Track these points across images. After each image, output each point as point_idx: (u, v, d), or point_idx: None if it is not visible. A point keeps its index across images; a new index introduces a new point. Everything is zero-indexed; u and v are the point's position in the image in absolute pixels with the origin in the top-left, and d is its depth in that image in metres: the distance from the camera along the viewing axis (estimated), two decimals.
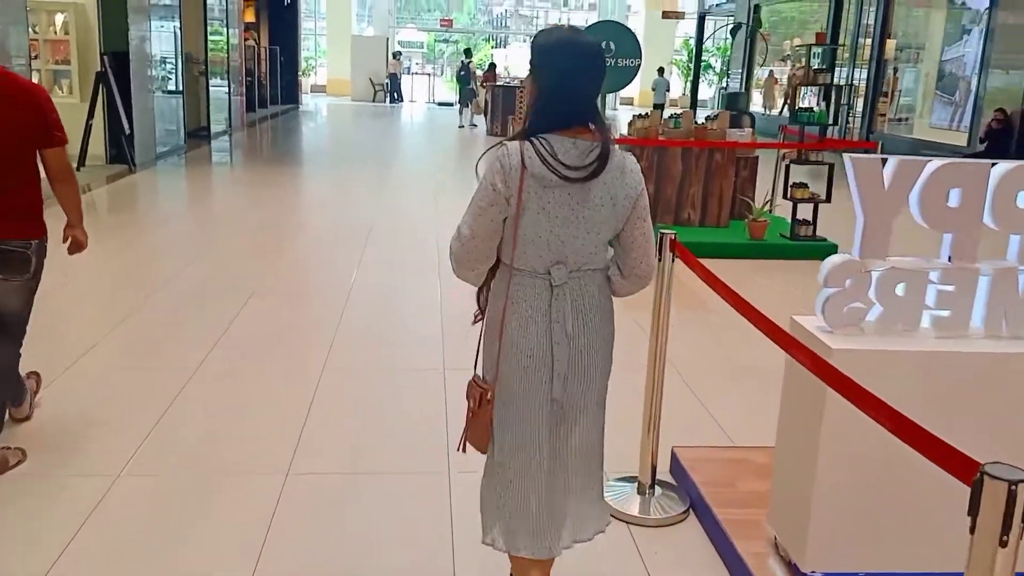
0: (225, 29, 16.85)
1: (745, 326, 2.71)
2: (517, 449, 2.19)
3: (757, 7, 23.08)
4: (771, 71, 23.04)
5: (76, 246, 3.48)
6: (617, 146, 2.10)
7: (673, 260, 3.10)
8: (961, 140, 13.97)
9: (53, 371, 4.14)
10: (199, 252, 6.95)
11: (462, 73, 23.17)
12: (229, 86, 17.12)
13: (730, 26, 21.10)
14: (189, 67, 15.31)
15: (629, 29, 7.42)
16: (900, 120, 17.06)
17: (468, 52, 31.13)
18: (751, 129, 8.32)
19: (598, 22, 7.89)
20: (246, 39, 23.39)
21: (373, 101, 29.85)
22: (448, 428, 3.77)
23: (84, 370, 4.30)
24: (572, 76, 2.07)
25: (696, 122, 8.18)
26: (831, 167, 7.54)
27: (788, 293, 6.27)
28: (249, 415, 3.88)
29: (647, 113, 8.13)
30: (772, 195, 8.11)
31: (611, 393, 2.30)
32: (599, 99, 2.23)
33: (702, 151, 7.88)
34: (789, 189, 7.65)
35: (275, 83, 24.94)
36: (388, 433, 3.76)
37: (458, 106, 23.10)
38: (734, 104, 9.57)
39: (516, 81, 20.88)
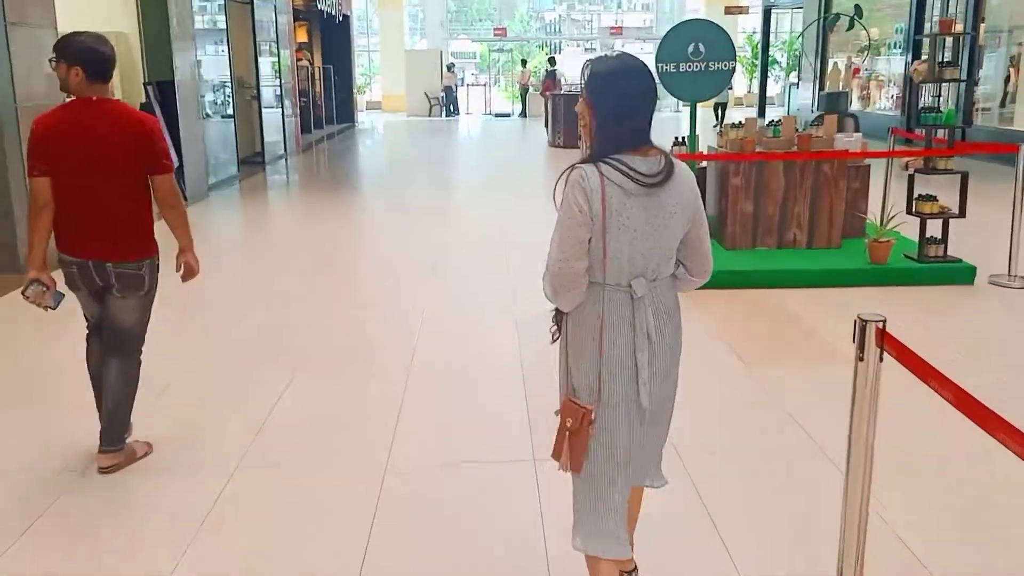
0: (276, 50, 16.32)
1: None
2: (609, 459, 2.29)
3: None
4: (849, 62, 21.67)
5: (188, 271, 3.65)
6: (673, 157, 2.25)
7: (881, 358, 2.14)
8: None
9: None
10: (245, 312, 6.24)
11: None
12: (283, 109, 16.60)
13: (826, 18, 19.75)
14: (240, 92, 14.81)
15: (721, 29, 6.47)
16: (989, 109, 15.67)
17: (524, 62, 30.45)
18: (859, 134, 7.31)
19: (687, 21, 6.87)
20: (299, 59, 23.03)
21: (429, 115, 29.26)
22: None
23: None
24: (631, 102, 2.21)
25: (798, 128, 7.19)
26: (964, 176, 6.48)
27: (939, 336, 5.26)
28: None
29: (741, 121, 7.17)
30: (887, 210, 7.09)
31: None
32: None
33: (807, 163, 6.89)
34: (914, 203, 6.61)
35: (330, 103, 24.50)
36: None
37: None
38: (835, 104, 8.54)
39: (576, 88, 20.03)
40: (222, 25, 13.29)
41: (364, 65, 35.46)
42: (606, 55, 2.31)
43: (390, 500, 3.34)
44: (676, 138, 7.51)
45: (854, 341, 2.10)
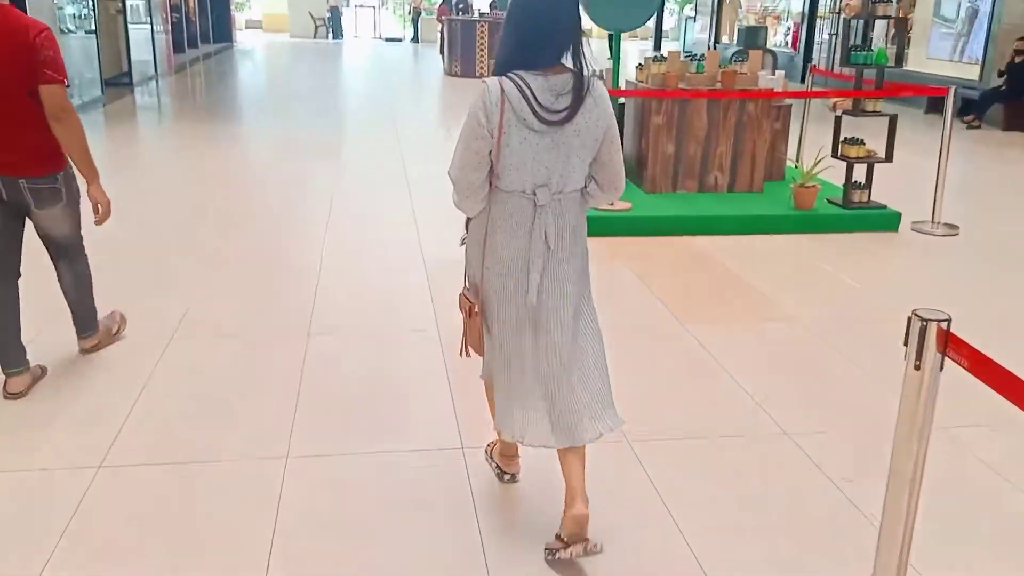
0: None
1: None
2: (504, 352, 2.47)
3: None
4: None
5: (102, 210, 3.47)
6: (588, 77, 2.26)
7: (942, 366, 1.70)
8: (970, 73, 12.76)
9: None
10: (127, 238, 5.43)
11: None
12: (152, 25, 15.12)
13: None
14: (104, 5, 13.34)
15: None
16: None
17: None
18: (782, 71, 6.97)
19: None
20: None
21: (314, 37, 27.69)
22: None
23: None
24: (538, 17, 2.24)
25: (722, 64, 6.77)
26: (893, 119, 6.23)
27: (876, 283, 5.01)
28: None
29: (662, 55, 6.70)
30: (802, 151, 6.82)
31: None
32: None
33: (730, 102, 6.50)
34: (840, 146, 6.34)
35: (205, 20, 22.73)
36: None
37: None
38: (753, 40, 8.20)
39: (476, 14, 19.12)
40: None
41: None
42: None
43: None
44: (594, 71, 6.97)
45: (906, 343, 1.66)
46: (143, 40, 14.63)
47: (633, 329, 4.30)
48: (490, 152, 2.26)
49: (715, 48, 21.79)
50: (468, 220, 2.48)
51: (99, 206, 3.46)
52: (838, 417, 3.45)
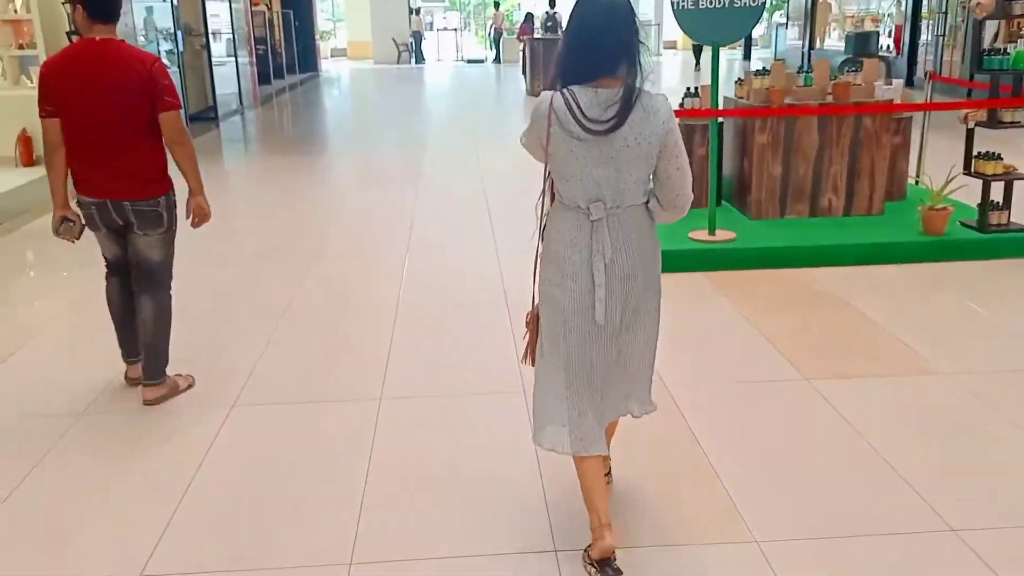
0: None
1: None
2: (568, 364, 2.44)
3: None
4: None
5: (200, 215, 3.64)
6: (641, 89, 2.28)
7: None
8: None
9: None
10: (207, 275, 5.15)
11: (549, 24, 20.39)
12: (236, 59, 15.21)
13: None
14: (188, 41, 13.44)
15: None
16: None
17: (497, 4, 28.97)
18: (900, 80, 6.27)
19: None
20: (255, 4, 21.46)
21: (397, 63, 27.80)
22: None
23: None
24: (589, 30, 2.28)
25: (835, 75, 6.12)
26: None
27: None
28: None
29: (765, 69, 6.09)
30: (922, 167, 6.09)
31: None
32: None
33: (844, 116, 5.85)
34: (974, 162, 5.61)
35: (291, 51, 22.99)
36: None
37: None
38: (863, 47, 7.45)
39: (559, 34, 18.73)
40: None
41: (328, 10, 33.71)
42: None
43: None
44: (688, 89, 6.43)
45: None
46: (227, 74, 14.70)
47: (744, 384, 3.73)
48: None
49: (810, 55, 20.83)
50: (541, 231, 2.54)
51: (203, 211, 3.65)
52: (1018, 508, 2.81)
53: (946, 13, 15.09)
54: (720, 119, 6.25)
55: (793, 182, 5.99)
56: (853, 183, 6.00)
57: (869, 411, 3.45)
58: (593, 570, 2.47)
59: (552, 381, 2.47)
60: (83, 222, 3.54)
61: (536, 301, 2.54)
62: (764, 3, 5.28)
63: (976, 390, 3.61)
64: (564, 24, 2.44)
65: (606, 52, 2.28)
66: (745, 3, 5.22)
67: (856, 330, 4.34)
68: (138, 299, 3.64)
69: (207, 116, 13.70)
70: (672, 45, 31.58)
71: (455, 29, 32.85)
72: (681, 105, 6.44)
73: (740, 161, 6.12)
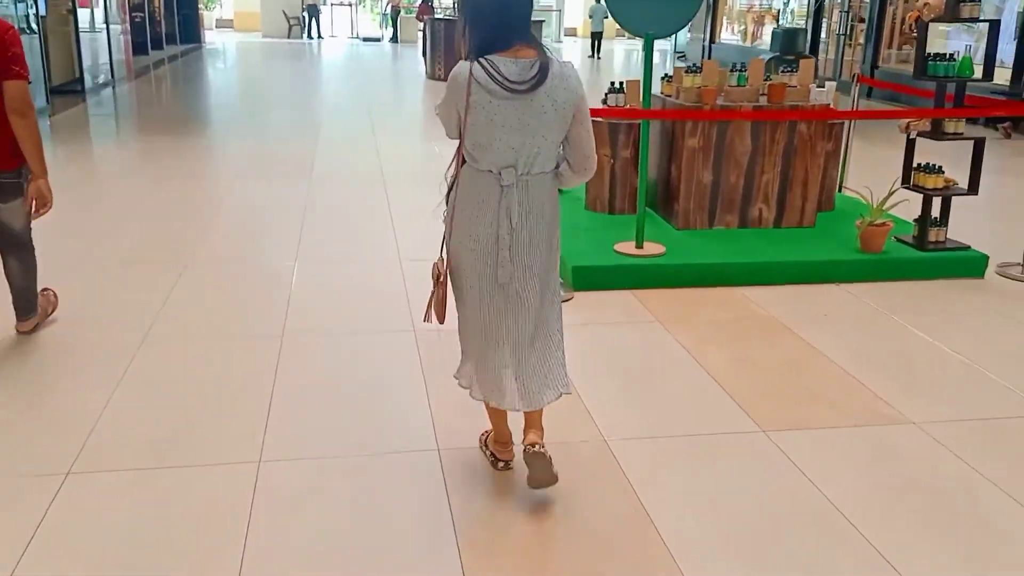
0: None
1: None
2: (474, 320, 2.65)
3: None
4: None
5: (40, 202, 3.66)
6: (554, 58, 2.43)
7: None
8: (1001, 77, 11.74)
9: None
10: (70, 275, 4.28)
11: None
12: (108, 26, 13.86)
13: None
14: (52, 5, 12.10)
15: None
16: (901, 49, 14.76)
17: None
18: (832, 82, 5.91)
19: None
20: None
21: (288, 37, 26.45)
22: None
23: None
24: (494, 5, 2.41)
25: (768, 76, 5.69)
26: (980, 143, 5.19)
27: (985, 353, 3.95)
28: None
29: (696, 65, 5.60)
30: (845, 176, 5.74)
31: None
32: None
33: (779, 121, 5.43)
34: (913, 174, 5.28)
35: (172, 20, 21.44)
36: None
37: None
38: (791, 45, 7.07)
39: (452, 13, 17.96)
40: None
41: None
42: None
43: None
44: (613, 84, 5.89)
45: None
46: (98, 43, 13.36)
47: (696, 438, 3.21)
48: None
49: (710, 50, 20.78)
50: (448, 195, 2.63)
51: (43, 197, 3.64)
52: None
53: (848, 12, 15.16)
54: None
55: (723, 191, 5.54)
56: (785, 193, 5.60)
57: (837, 473, 2.97)
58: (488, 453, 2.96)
59: (467, 334, 2.71)
60: None
61: (441, 259, 2.65)
62: None
63: (949, 442, 3.19)
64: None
65: (517, 20, 2.42)
66: None
67: (807, 367, 3.90)
68: (5, 259, 3.85)
69: (72, 89, 12.40)
70: (572, 32, 31.28)
71: (350, 4, 31.58)
72: (604, 102, 5.91)
73: (667, 166, 5.64)
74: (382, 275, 4.95)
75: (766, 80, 5.65)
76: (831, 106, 5.59)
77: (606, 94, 5.89)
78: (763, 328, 4.35)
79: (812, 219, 5.68)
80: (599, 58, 22.90)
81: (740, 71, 5.54)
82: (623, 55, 25.26)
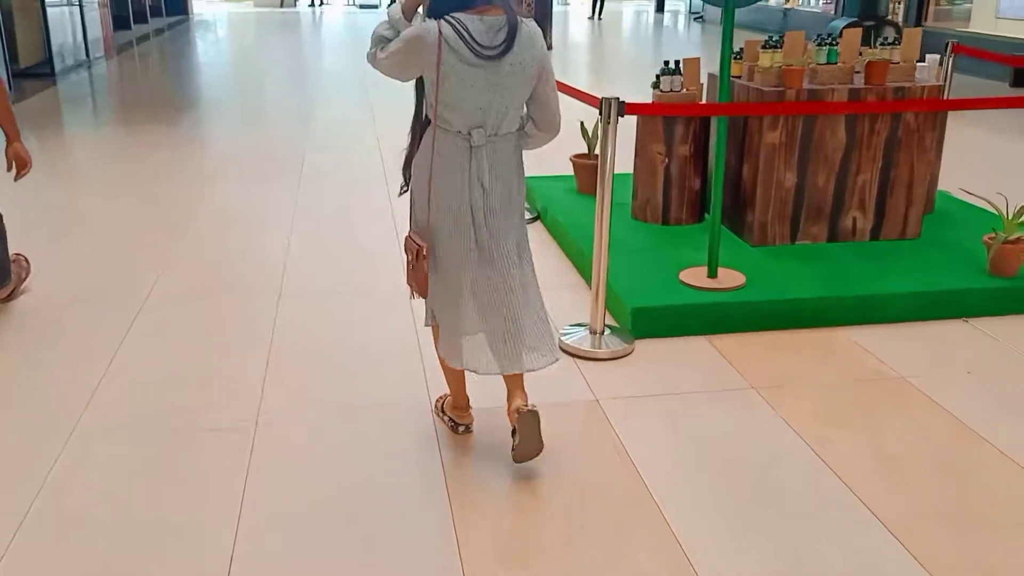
0: None
1: None
2: (452, 289, 2.58)
3: None
4: None
5: (20, 164, 3.74)
6: (520, 17, 2.38)
7: None
8: None
9: None
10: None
11: None
12: (80, 2, 12.66)
13: None
14: None
15: None
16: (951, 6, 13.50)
17: None
18: (935, 56, 4.79)
19: None
20: None
21: (281, 7, 25.15)
22: None
23: None
24: None
25: (862, 51, 4.56)
26: None
27: None
28: None
29: (775, 40, 4.47)
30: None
31: None
32: None
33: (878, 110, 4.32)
34: None
35: None
36: None
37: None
38: (871, 9, 5.91)
39: None
40: None
41: None
42: None
43: None
44: (667, 64, 4.78)
45: None
46: (67, 20, 12.18)
47: None
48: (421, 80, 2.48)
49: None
50: (409, 164, 2.62)
51: (23, 159, 3.72)
52: None
53: None
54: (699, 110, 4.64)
55: (810, 196, 4.46)
56: (885, 197, 4.51)
57: None
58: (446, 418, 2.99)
59: (449, 305, 2.61)
60: None
61: (413, 231, 2.61)
62: None
63: None
64: None
65: None
66: None
67: (970, 465, 2.83)
68: None
69: (41, 72, 11.26)
70: None
71: None
72: (655, 86, 4.79)
73: (738, 166, 4.54)
74: (380, 306, 3.89)
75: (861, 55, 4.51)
76: (941, 87, 4.46)
77: (657, 76, 4.78)
78: (892, 394, 3.28)
79: (917, 229, 4.60)
80: (600, 19, 21.63)
81: (830, 45, 4.41)
82: (631, 16, 23.94)
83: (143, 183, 6.38)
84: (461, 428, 2.93)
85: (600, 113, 3.44)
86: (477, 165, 2.46)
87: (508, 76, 2.38)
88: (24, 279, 4.12)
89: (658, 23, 21.81)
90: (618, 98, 3.43)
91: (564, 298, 4.07)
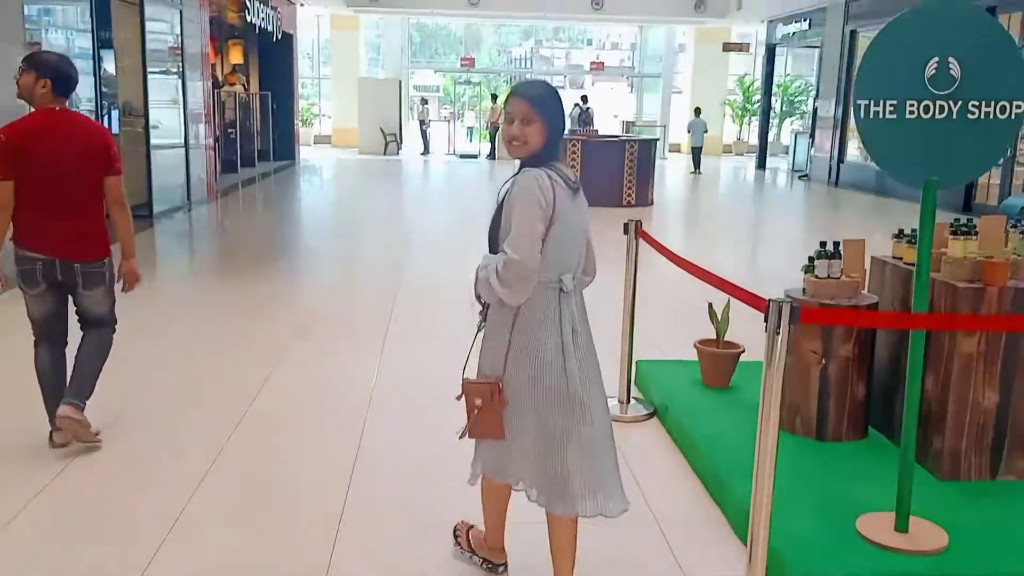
0: (180, 69, 12.57)
1: None
2: (534, 433, 2.54)
3: (854, 32, 18.77)
4: None
5: (131, 279, 4.00)
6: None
7: None
8: None
9: None
10: None
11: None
12: (187, 144, 12.81)
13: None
14: (126, 122, 11.09)
15: (1000, 27, 2.96)
16: None
17: (494, 97, 27.28)
18: None
19: (918, 9, 2.98)
20: (231, 83, 19.34)
21: (384, 154, 25.68)
22: None
23: None
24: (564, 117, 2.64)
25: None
26: None
27: None
28: None
29: (968, 224, 3.62)
30: None
31: None
32: None
33: None
34: None
35: (266, 136, 20.77)
36: None
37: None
38: None
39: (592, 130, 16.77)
40: (85, 26, 9.55)
41: (314, 95, 31.83)
42: (531, 79, 2.77)
43: None
44: (823, 246, 3.96)
45: None
46: (172, 162, 12.26)
47: None
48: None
49: (839, 169, 18.75)
50: (484, 309, 2.64)
51: (134, 275, 3.98)
52: None
53: None
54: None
55: (1016, 420, 3.48)
56: None
57: None
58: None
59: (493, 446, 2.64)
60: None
61: (483, 376, 2.61)
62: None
63: None
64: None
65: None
66: (995, 111, 2.79)
67: None
68: (84, 337, 3.90)
69: (140, 213, 11.21)
70: (676, 149, 29.82)
71: (447, 120, 30.95)
72: (807, 270, 3.97)
73: (932, 380, 3.60)
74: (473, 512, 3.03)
75: None
76: None
77: (810, 260, 3.96)
78: None
79: None
80: (700, 172, 21.39)
81: None
82: (730, 171, 23.51)
83: (210, 348, 5.80)
84: (501, 568, 2.87)
85: (766, 320, 2.61)
86: (569, 311, 2.53)
87: (585, 219, 2.60)
88: (90, 437, 3.84)
89: (758, 179, 21.24)
90: (791, 301, 2.61)
91: (699, 536, 3.14)
